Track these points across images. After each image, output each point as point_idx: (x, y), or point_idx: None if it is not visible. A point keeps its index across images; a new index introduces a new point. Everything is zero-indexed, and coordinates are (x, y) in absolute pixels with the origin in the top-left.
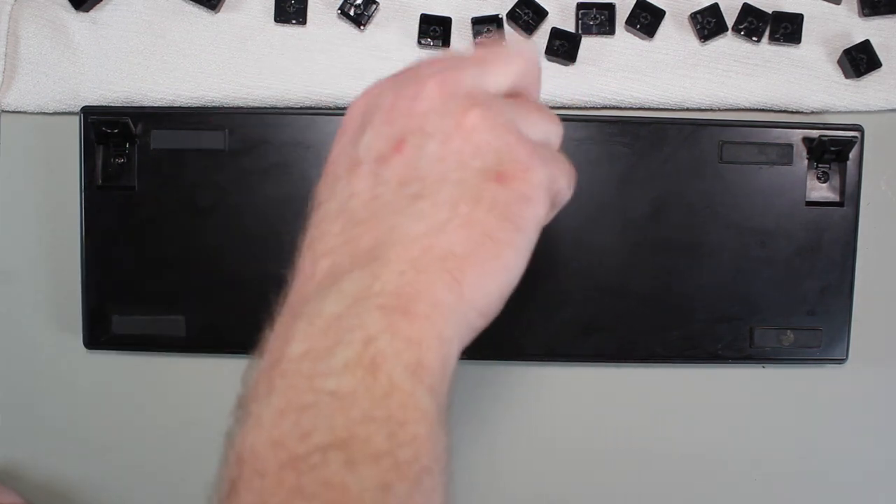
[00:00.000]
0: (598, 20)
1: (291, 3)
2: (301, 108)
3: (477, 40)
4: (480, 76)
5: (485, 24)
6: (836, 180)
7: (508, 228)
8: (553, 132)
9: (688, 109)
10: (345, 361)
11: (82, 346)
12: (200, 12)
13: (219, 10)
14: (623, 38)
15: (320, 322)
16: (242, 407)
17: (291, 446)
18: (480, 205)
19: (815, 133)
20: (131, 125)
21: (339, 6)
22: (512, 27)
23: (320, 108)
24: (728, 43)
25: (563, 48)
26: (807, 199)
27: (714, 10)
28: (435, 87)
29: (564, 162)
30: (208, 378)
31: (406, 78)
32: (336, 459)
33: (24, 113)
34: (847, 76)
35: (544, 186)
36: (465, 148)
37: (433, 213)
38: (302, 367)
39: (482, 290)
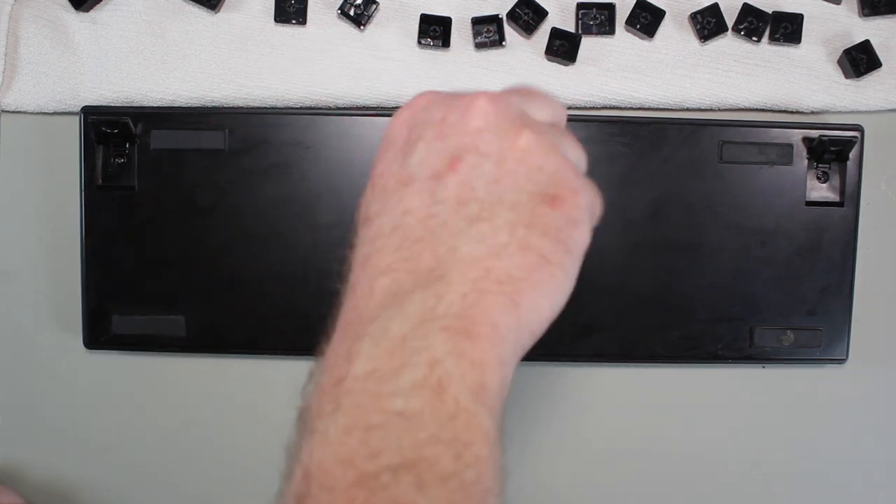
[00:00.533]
0: (598, 20)
1: (291, 3)
2: (301, 108)
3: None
4: (526, 102)
5: (485, 24)
6: (836, 180)
7: (561, 251)
8: (583, 158)
9: (688, 109)
10: (412, 382)
11: (82, 346)
12: (200, 12)
13: (219, 10)
14: (623, 38)
15: (386, 343)
16: (305, 421)
17: (360, 465)
18: (535, 228)
19: (815, 133)
20: (131, 125)
21: (339, 6)
22: (512, 27)
23: (320, 108)
24: (728, 43)
25: (563, 48)
26: (807, 199)
27: (714, 10)
28: (487, 105)
29: (592, 183)
30: (208, 378)
31: (454, 93)
32: (406, 480)
33: (24, 113)
34: (847, 76)
35: (588, 208)
36: (519, 170)
37: (493, 235)
38: (368, 387)
39: (537, 312)
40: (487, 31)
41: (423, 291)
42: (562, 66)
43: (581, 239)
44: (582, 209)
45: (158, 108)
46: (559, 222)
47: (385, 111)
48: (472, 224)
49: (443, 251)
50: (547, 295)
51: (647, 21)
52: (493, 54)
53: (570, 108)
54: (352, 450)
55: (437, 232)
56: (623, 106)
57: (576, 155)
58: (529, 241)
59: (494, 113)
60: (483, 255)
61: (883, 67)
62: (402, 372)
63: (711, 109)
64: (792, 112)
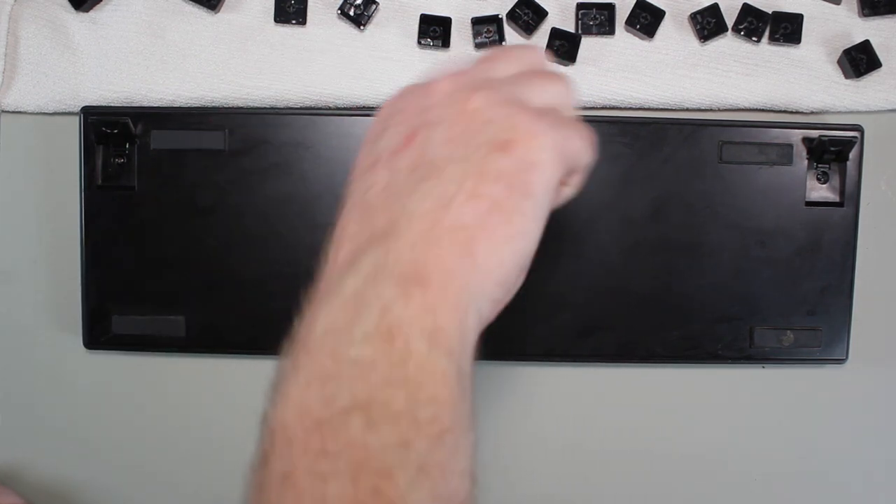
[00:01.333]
0: (598, 20)
1: (291, 3)
2: (301, 108)
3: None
4: (487, 70)
5: (485, 24)
6: (835, 180)
7: (517, 196)
8: (560, 94)
9: (688, 109)
10: (364, 332)
11: (82, 346)
12: (200, 12)
13: (219, 10)
14: (623, 38)
15: (340, 300)
16: (274, 389)
17: (316, 412)
18: (486, 177)
19: (814, 133)
20: (131, 125)
21: (339, 6)
22: (512, 27)
23: (320, 108)
24: (728, 43)
25: (563, 48)
26: (807, 200)
27: (714, 10)
28: (445, 84)
29: (577, 123)
30: (208, 378)
31: (422, 83)
32: (357, 421)
33: (24, 113)
34: (847, 76)
35: (551, 149)
36: (470, 127)
37: (441, 189)
38: (325, 343)
39: (496, 258)
40: (487, 31)
41: (375, 249)
42: (562, 67)
43: (542, 181)
44: (540, 150)
45: (158, 108)
46: (512, 167)
47: None
48: (422, 183)
49: (393, 212)
50: (505, 240)
51: (647, 21)
52: None
53: None
54: (309, 401)
55: (391, 197)
56: (623, 106)
57: (547, 95)
58: (480, 189)
59: (450, 88)
60: (431, 208)
61: (883, 67)
62: (355, 323)
63: (711, 109)
64: (792, 112)
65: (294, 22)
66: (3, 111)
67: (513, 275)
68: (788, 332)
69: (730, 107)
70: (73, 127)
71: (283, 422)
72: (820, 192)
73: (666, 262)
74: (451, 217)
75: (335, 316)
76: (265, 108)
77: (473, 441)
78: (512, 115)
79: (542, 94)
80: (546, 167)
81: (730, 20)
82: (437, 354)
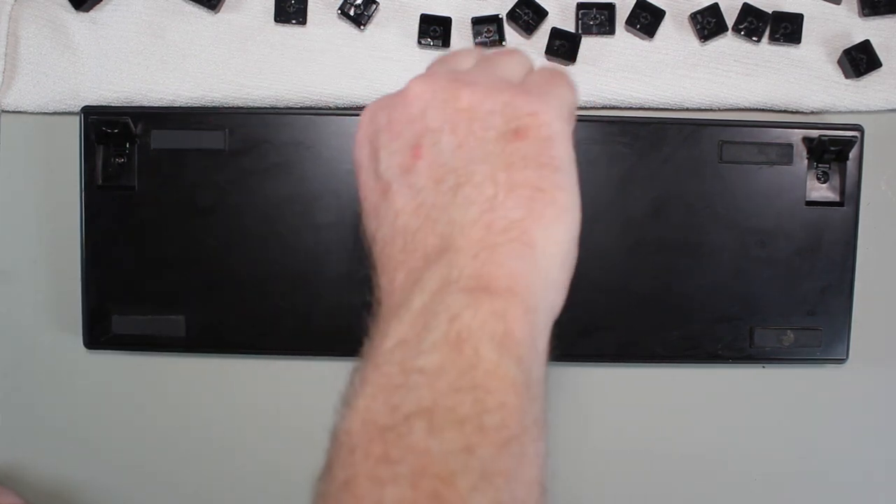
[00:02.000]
0: (598, 20)
1: (291, 3)
2: (301, 108)
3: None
4: (448, 64)
5: (485, 24)
6: (835, 180)
7: (549, 173)
8: (521, 60)
9: (688, 109)
10: (432, 341)
11: (82, 346)
12: (200, 12)
13: (219, 10)
14: (623, 38)
15: (409, 316)
16: (342, 403)
17: (380, 420)
18: (514, 166)
19: (814, 133)
20: (131, 125)
21: (339, 6)
22: (512, 27)
23: (320, 108)
24: (728, 43)
25: (563, 48)
26: (807, 199)
27: (714, 10)
28: (417, 87)
29: (550, 74)
30: (208, 378)
31: (388, 95)
32: (420, 426)
33: (24, 113)
34: (847, 76)
35: (557, 117)
36: (474, 126)
37: (478, 193)
38: (394, 357)
39: (553, 241)
40: (487, 31)
41: (437, 266)
42: (562, 67)
43: (563, 151)
44: (549, 125)
45: (158, 108)
46: (533, 149)
47: None
48: (457, 192)
49: (441, 227)
50: (556, 220)
51: (647, 21)
52: None
53: None
54: (375, 411)
55: (430, 215)
56: (623, 106)
57: (515, 69)
58: (514, 179)
59: (429, 90)
60: (478, 213)
61: (883, 67)
62: (424, 336)
63: (711, 109)
64: (792, 112)
65: (294, 22)
66: (3, 111)
67: (571, 251)
68: (788, 331)
69: (730, 107)
70: (74, 127)
71: (347, 431)
72: (820, 191)
73: (666, 262)
74: (500, 216)
75: (404, 330)
76: (265, 108)
77: (544, 450)
78: (507, 100)
79: (513, 68)
80: (561, 135)
81: (730, 20)
82: (507, 361)
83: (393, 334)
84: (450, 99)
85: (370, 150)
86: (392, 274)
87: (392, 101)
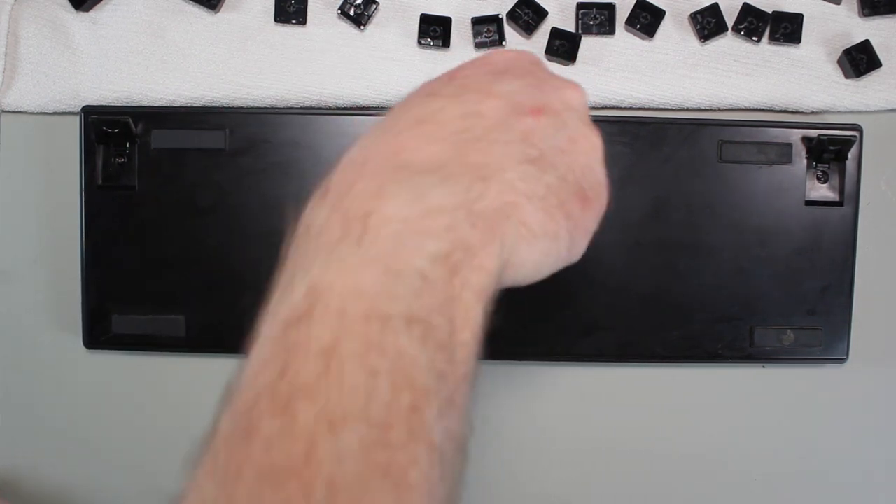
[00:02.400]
0: (598, 20)
1: (291, 3)
2: (301, 108)
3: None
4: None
5: (485, 24)
6: (835, 180)
7: (579, 235)
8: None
9: (688, 109)
10: (435, 252)
11: (82, 346)
12: (200, 12)
13: (219, 10)
14: (623, 38)
15: (421, 205)
16: (314, 239)
17: (376, 302)
18: (571, 220)
19: (814, 133)
20: (132, 125)
21: (339, 6)
22: (512, 27)
23: (320, 108)
24: (728, 43)
25: (563, 48)
26: (806, 199)
27: (714, 10)
28: (579, 92)
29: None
30: (208, 378)
31: (537, 75)
32: (416, 333)
33: (24, 113)
34: (847, 76)
35: (561, 102)
36: (578, 161)
37: (537, 184)
38: (394, 231)
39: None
40: (487, 31)
41: (467, 181)
42: (562, 66)
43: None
44: (570, 106)
45: (158, 107)
46: (591, 218)
47: (385, 111)
48: (525, 164)
49: (490, 160)
50: (596, 161)
51: (647, 21)
52: None
53: None
54: (369, 284)
55: (494, 147)
56: (623, 106)
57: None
58: (562, 213)
59: (582, 102)
60: (522, 190)
61: (883, 67)
62: (427, 237)
63: (711, 109)
64: (792, 112)
65: (294, 22)
66: (3, 111)
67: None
68: (789, 331)
69: (730, 107)
70: (74, 127)
71: (333, 287)
72: (820, 191)
73: (666, 262)
74: (532, 214)
75: (411, 214)
76: (265, 107)
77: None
78: (571, 120)
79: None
80: (574, 117)
81: (730, 20)
82: (478, 310)
83: (400, 204)
84: (584, 125)
85: (504, 67)
86: (427, 129)
87: (550, 75)
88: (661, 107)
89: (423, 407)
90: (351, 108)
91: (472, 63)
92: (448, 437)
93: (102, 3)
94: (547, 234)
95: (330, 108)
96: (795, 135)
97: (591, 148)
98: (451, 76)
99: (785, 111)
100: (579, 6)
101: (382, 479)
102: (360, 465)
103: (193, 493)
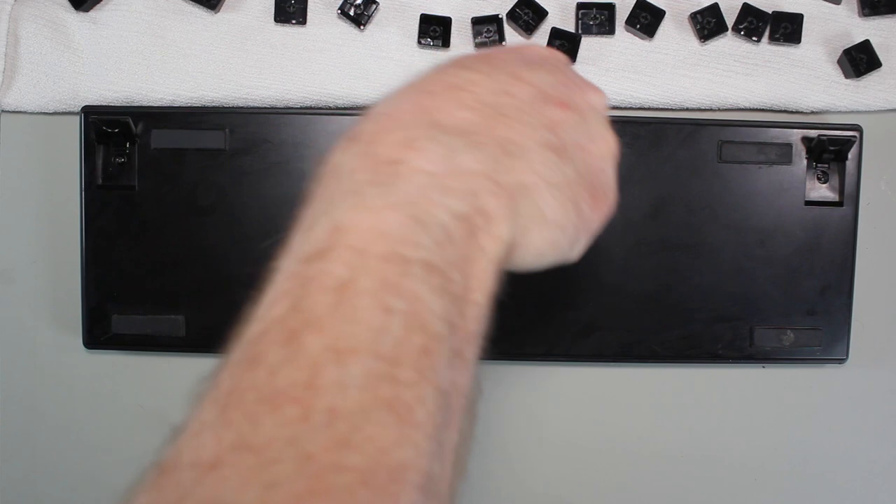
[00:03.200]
0: (598, 20)
1: (291, 3)
2: (301, 108)
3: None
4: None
5: (485, 24)
6: (835, 180)
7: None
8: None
9: (688, 109)
10: (458, 210)
11: (82, 345)
12: (200, 12)
13: (219, 10)
14: (623, 38)
15: (448, 164)
16: (340, 179)
17: (397, 245)
18: (582, 224)
19: (814, 133)
20: (132, 125)
21: (339, 6)
22: (512, 27)
23: (320, 108)
24: (728, 43)
25: (563, 48)
26: (806, 199)
27: (714, 10)
28: (603, 98)
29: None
30: None
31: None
32: (432, 281)
33: (24, 113)
34: (847, 76)
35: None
36: (594, 165)
37: (554, 172)
38: (420, 181)
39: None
40: (487, 31)
41: (495, 152)
42: None
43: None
44: (585, 108)
45: (158, 107)
46: (597, 218)
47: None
48: (548, 150)
49: (517, 138)
50: (609, 158)
51: (647, 21)
52: None
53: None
54: (393, 227)
55: (521, 127)
56: (623, 106)
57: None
58: (573, 206)
59: (603, 106)
60: (542, 174)
61: (883, 67)
62: (452, 195)
63: (711, 109)
64: (792, 112)
65: (294, 22)
66: (3, 111)
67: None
68: (788, 331)
69: (730, 107)
70: (74, 127)
71: (356, 226)
72: (819, 191)
73: (666, 262)
74: (546, 197)
75: (438, 170)
76: (265, 108)
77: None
78: (593, 118)
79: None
80: (585, 114)
81: (730, 20)
82: (492, 274)
83: (428, 159)
84: (606, 131)
85: (536, 60)
86: (459, 94)
87: (577, 77)
88: (661, 107)
89: (434, 351)
90: (351, 108)
91: (506, 49)
92: (456, 390)
93: (102, 3)
94: (557, 222)
95: (330, 108)
96: (795, 135)
97: (607, 151)
98: (486, 56)
99: (785, 111)
100: (579, 6)
101: (387, 412)
102: (364, 396)
103: (194, 421)
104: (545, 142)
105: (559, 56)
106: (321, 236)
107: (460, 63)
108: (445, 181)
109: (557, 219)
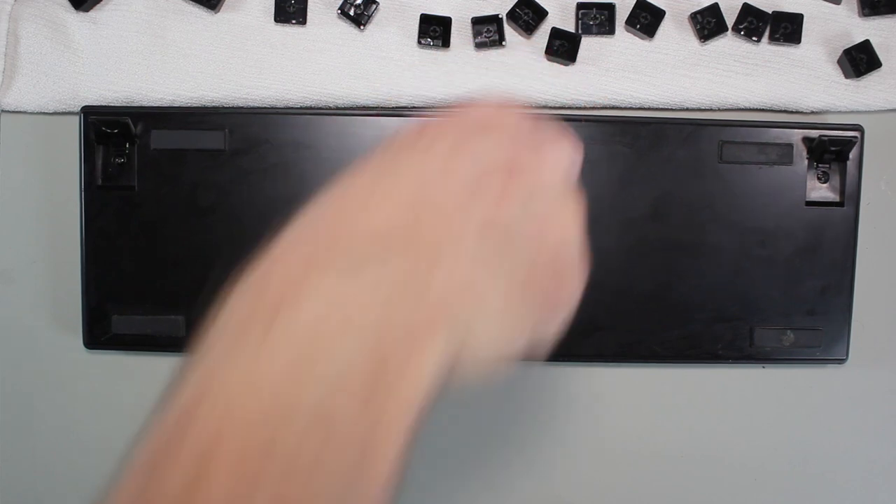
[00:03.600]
0: (598, 20)
1: (291, 3)
2: (301, 108)
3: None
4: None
5: (485, 24)
6: (835, 180)
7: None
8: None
9: (688, 109)
10: (355, 349)
11: (82, 346)
12: (200, 12)
13: (219, 10)
14: (623, 38)
15: (354, 282)
16: (222, 323)
17: (271, 410)
18: (521, 321)
19: (814, 133)
20: (131, 125)
21: (339, 6)
22: (512, 27)
23: (320, 108)
24: (728, 43)
25: (563, 48)
26: (807, 199)
27: (714, 10)
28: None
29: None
30: None
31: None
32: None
33: (24, 113)
34: (847, 76)
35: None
36: (553, 236)
37: (496, 260)
38: (307, 323)
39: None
40: (487, 31)
41: (417, 252)
42: (562, 66)
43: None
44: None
45: (158, 108)
46: (565, 295)
47: (385, 111)
48: (487, 239)
49: (450, 232)
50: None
51: (647, 21)
52: (493, 54)
53: (570, 108)
54: (265, 386)
55: (454, 216)
56: (623, 106)
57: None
58: (529, 290)
59: (568, 162)
60: (482, 265)
61: (883, 67)
62: (347, 335)
63: (711, 109)
64: (792, 112)
65: (294, 22)
66: (3, 111)
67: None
68: (788, 331)
69: (730, 107)
70: (73, 127)
71: (223, 383)
72: (820, 191)
73: (666, 262)
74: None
75: (336, 295)
76: (265, 108)
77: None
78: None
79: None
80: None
81: (730, 20)
82: (405, 425)
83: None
84: (569, 204)
85: (476, 131)
86: (382, 188)
87: (535, 141)
88: (661, 107)
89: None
90: (351, 108)
91: (456, 114)
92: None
93: (102, 3)
94: (509, 310)
95: (330, 108)
96: (796, 135)
97: (568, 221)
98: (428, 128)
99: (785, 111)
100: (579, 6)
101: None
102: None
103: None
104: (484, 229)
105: (513, 115)
106: (191, 392)
107: (395, 144)
108: (339, 315)
109: (509, 307)
